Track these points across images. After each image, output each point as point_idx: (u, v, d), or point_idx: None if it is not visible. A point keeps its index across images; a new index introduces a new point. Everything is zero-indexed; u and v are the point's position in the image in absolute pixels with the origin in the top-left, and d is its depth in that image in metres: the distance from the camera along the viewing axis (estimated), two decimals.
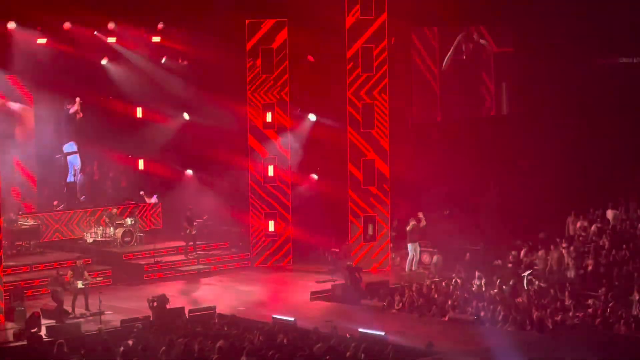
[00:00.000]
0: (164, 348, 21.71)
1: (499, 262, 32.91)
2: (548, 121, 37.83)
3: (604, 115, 37.40)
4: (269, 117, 34.64)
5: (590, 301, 26.71)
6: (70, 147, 36.50)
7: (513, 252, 31.72)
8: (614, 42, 37.54)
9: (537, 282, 28.92)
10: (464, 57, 38.39)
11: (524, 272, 30.07)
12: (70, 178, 36.48)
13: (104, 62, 35.26)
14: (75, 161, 36.59)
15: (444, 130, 37.23)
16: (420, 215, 33.08)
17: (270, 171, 34.76)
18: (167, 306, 27.62)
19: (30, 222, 33.76)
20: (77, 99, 35.80)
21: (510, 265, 31.22)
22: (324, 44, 34.43)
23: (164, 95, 36.20)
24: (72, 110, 36.01)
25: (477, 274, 29.39)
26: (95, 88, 35.67)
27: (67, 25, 33.36)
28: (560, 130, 37.59)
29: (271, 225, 34.73)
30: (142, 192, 36.84)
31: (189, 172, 37.50)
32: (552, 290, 27.82)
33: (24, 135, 35.42)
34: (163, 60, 36.12)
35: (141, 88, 35.73)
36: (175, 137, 37.03)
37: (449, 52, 37.96)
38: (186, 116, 37.37)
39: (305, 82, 35.62)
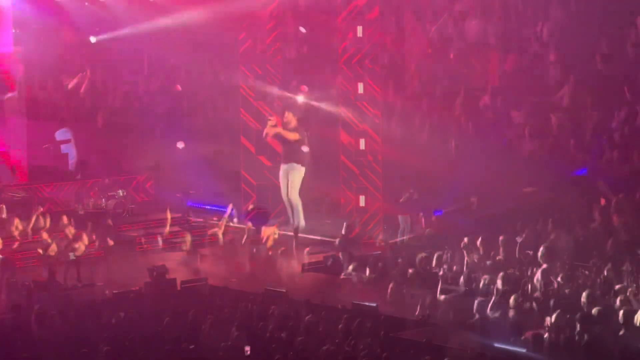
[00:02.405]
0: (155, 319, 21.76)
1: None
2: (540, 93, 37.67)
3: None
4: (261, 89, 34.55)
5: (580, 272, 26.71)
6: (62, 134, 35.78)
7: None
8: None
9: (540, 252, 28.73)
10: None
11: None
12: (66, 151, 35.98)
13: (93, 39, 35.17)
14: (69, 151, 35.80)
15: (436, 100, 37.02)
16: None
17: (263, 143, 34.67)
18: (167, 276, 27.67)
19: (22, 193, 33.68)
20: (80, 74, 35.37)
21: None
22: (313, 13, 34.30)
23: (156, 67, 36.11)
24: (70, 86, 35.46)
25: (463, 243, 29.09)
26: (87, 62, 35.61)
27: None
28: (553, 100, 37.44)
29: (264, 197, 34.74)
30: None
31: (181, 144, 37.39)
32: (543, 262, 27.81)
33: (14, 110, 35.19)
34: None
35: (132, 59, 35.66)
36: (166, 108, 36.93)
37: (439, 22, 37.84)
38: (178, 87, 37.31)
39: (297, 53, 35.52)
